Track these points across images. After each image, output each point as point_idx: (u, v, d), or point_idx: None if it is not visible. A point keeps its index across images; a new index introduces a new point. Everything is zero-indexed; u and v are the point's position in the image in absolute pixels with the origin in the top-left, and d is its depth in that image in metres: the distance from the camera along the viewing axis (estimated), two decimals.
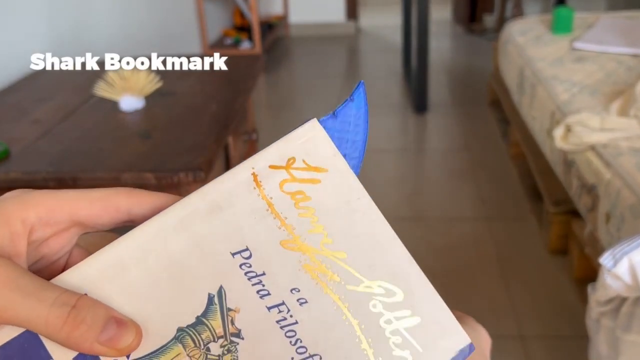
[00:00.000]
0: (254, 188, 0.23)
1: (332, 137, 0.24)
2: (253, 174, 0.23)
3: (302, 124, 0.24)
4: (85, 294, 0.21)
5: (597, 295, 0.90)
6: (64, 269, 0.24)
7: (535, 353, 1.27)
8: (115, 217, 0.23)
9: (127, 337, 0.21)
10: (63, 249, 0.23)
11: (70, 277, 0.22)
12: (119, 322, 0.21)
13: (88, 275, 0.22)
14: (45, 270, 0.24)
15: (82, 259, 0.24)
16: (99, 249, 0.23)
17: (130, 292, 0.22)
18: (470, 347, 0.25)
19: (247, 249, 0.23)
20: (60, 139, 1.06)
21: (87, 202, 0.22)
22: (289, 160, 0.24)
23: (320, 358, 0.24)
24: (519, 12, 3.59)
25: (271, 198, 0.23)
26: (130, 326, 0.21)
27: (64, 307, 0.20)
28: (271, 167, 0.24)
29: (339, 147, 0.24)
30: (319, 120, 0.24)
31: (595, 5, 3.96)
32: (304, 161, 0.24)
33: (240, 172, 0.24)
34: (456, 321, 0.25)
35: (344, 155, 0.25)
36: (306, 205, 0.24)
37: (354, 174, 0.24)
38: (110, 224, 0.23)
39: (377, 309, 0.24)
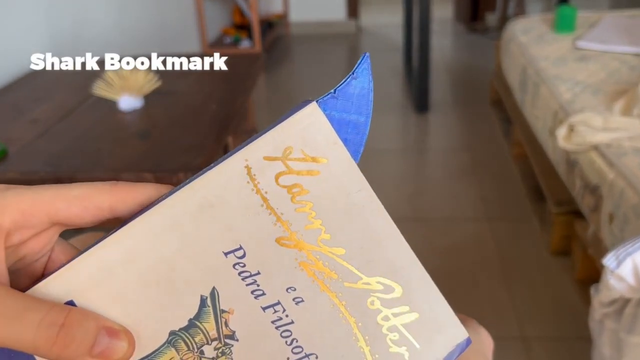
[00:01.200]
0: (248, 182, 0.22)
1: (331, 119, 0.22)
2: (246, 166, 0.22)
3: (300, 106, 0.22)
4: (74, 307, 0.21)
5: (600, 296, 0.89)
6: (46, 268, 0.23)
7: (538, 355, 1.26)
8: (98, 215, 0.22)
9: (120, 347, 0.21)
10: (44, 248, 0.23)
11: (56, 284, 0.21)
12: (111, 331, 0.21)
13: (74, 281, 0.21)
14: (27, 270, 0.23)
15: (64, 256, 0.23)
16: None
17: (119, 297, 0.22)
18: (468, 341, 0.24)
19: (240, 248, 0.22)
20: (58, 138, 1.05)
21: (66, 203, 0.21)
22: (285, 150, 0.22)
23: (317, 357, 0.23)
24: (521, 11, 3.58)
25: (266, 193, 0.22)
26: (122, 335, 0.21)
27: (52, 327, 0.19)
28: (266, 158, 0.22)
29: (339, 130, 0.23)
30: (317, 101, 0.22)
31: (598, 4, 3.94)
32: (302, 151, 0.22)
33: (232, 165, 0.22)
34: (455, 316, 0.24)
35: (345, 140, 0.23)
36: (303, 200, 0.22)
37: (355, 164, 0.23)
38: (92, 222, 0.22)
39: (375, 305, 0.23)
